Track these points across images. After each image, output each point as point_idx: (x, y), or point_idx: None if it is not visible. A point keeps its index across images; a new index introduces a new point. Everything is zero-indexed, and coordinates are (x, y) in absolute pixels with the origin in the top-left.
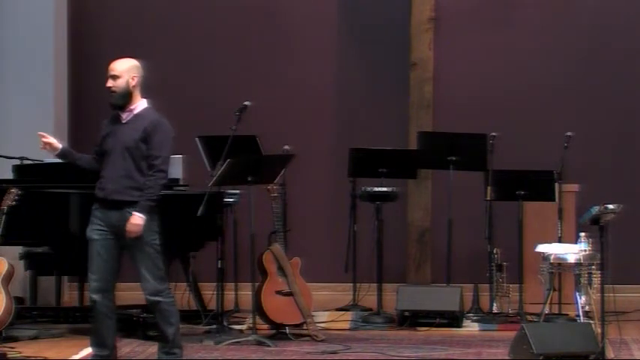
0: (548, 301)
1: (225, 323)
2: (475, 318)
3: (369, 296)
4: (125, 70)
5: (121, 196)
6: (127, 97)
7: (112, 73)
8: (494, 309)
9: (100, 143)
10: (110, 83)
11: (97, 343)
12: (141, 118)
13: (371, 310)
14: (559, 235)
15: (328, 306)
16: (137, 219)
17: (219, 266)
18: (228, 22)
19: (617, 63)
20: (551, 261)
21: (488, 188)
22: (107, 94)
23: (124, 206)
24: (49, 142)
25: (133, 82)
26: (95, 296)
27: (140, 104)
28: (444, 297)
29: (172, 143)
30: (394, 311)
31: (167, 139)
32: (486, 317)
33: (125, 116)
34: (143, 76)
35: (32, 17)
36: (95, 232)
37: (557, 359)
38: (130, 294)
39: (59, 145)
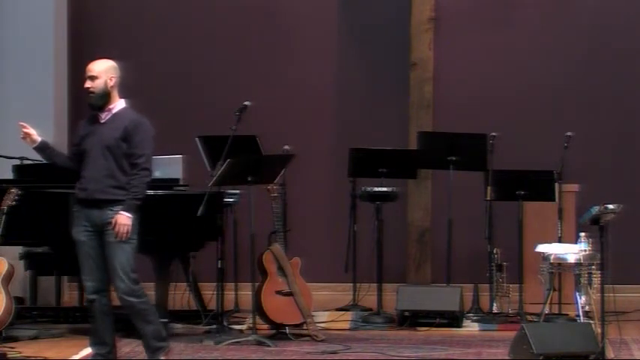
0: (548, 301)
1: (225, 323)
2: (475, 318)
3: (369, 296)
4: (103, 70)
5: (103, 195)
6: (105, 97)
7: (90, 74)
8: (494, 309)
9: (77, 143)
10: (88, 84)
11: (96, 342)
12: (120, 118)
13: (371, 310)
14: (559, 235)
15: (328, 306)
16: (125, 218)
17: (219, 266)
18: (228, 22)
19: (617, 63)
20: (551, 261)
21: (488, 188)
22: (85, 95)
23: (106, 205)
24: (29, 133)
25: (111, 83)
26: (93, 296)
27: (118, 104)
28: (444, 297)
29: (154, 142)
30: (394, 311)
31: (148, 138)
32: (486, 317)
33: (104, 116)
34: (120, 76)
35: (32, 17)
36: (82, 233)
37: (557, 359)
38: None
39: (38, 138)
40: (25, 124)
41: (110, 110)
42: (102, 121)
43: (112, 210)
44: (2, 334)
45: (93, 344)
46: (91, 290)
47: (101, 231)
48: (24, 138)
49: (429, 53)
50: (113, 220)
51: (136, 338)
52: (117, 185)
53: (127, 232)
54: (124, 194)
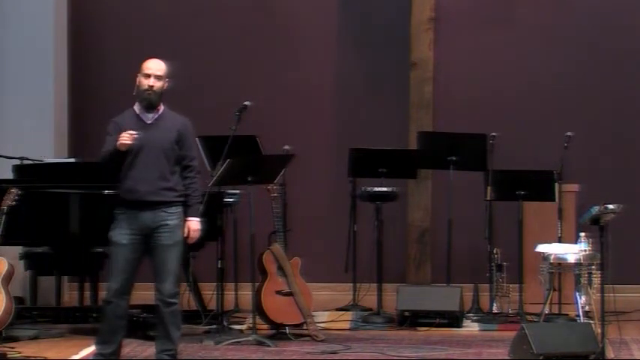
0: (548, 301)
1: (225, 323)
2: (475, 318)
3: (369, 296)
4: (165, 72)
5: (156, 197)
6: (160, 97)
7: (158, 73)
8: (494, 309)
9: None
10: (153, 82)
11: (102, 341)
12: (166, 119)
13: (371, 310)
14: (559, 235)
15: (328, 306)
16: (196, 224)
17: (219, 266)
18: (228, 22)
19: (617, 63)
20: (551, 261)
21: (488, 188)
22: (144, 92)
23: (158, 207)
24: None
25: (166, 85)
26: (113, 299)
27: (162, 105)
28: (444, 297)
29: None
30: (394, 311)
31: (194, 139)
32: (486, 317)
33: (150, 117)
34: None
35: (32, 17)
36: (124, 236)
37: (557, 359)
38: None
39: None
40: (133, 132)
41: (157, 111)
42: (148, 122)
43: (165, 212)
44: (2, 334)
45: (98, 343)
46: (114, 293)
47: (149, 234)
48: (122, 145)
49: (429, 53)
50: (186, 228)
51: (136, 338)
52: (169, 187)
53: (197, 238)
54: (174, 196)
